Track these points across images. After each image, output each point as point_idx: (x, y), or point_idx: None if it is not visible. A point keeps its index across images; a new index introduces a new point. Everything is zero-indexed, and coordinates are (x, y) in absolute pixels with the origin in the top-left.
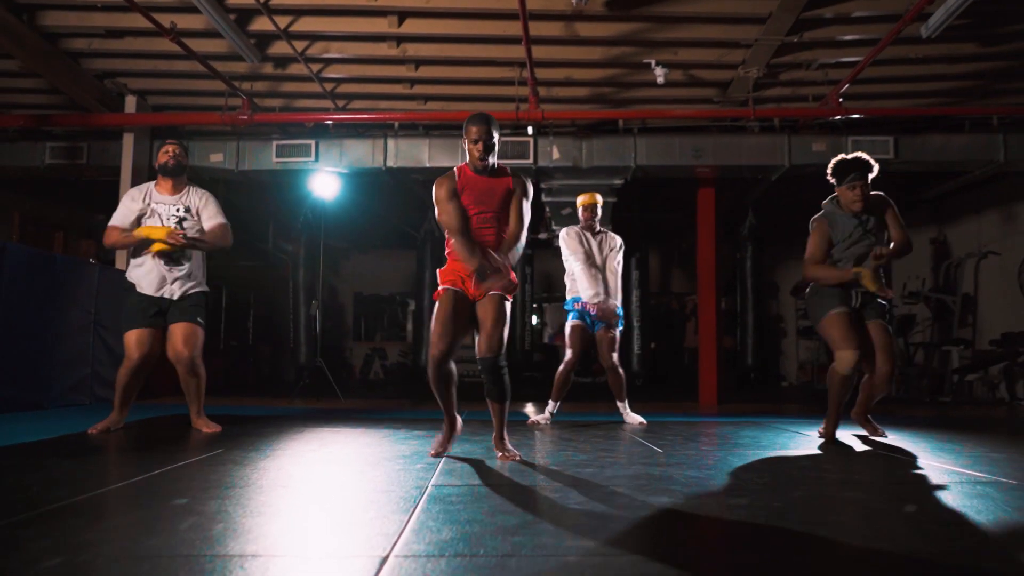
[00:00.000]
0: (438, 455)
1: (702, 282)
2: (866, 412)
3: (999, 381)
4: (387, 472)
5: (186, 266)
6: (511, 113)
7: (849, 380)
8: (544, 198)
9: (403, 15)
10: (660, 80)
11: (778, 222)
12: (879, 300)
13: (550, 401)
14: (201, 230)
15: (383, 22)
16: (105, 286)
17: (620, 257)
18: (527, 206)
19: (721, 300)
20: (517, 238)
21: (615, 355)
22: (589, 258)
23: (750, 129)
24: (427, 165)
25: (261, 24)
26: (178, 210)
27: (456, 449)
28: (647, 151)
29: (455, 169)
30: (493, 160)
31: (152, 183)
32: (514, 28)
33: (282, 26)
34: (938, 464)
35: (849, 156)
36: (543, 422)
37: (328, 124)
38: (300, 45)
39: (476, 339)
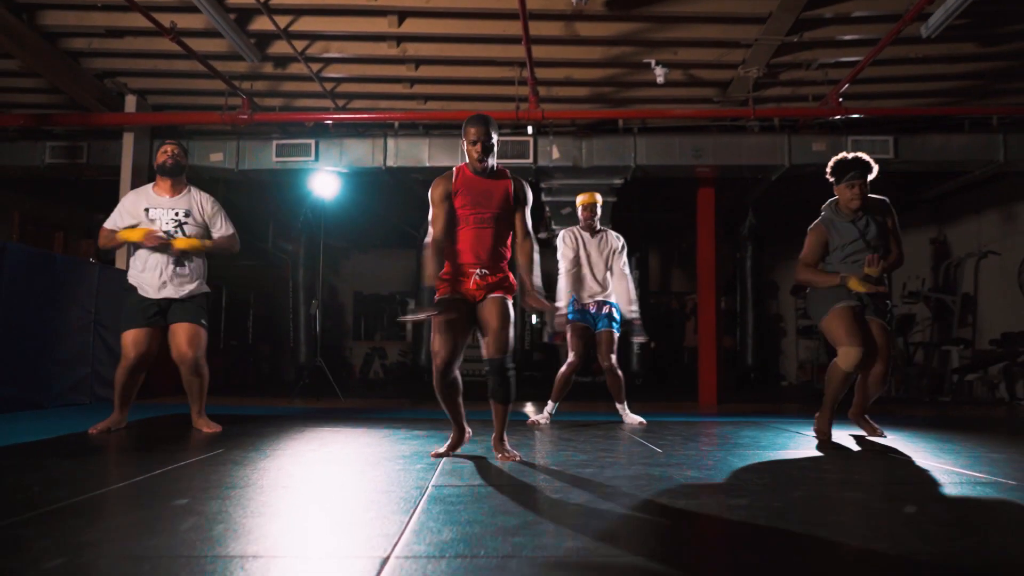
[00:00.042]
0: (439, 457)
1: (702, 282)
2: (863, 412)
3: (999, 381)
4: (387, 472)
5: (188, 266)
6: (511, 113)
7: (850, 377)
8: (544, 198)
9: (403, 15)
10: (660, 80)
11: (778, 222)
12: (882, 299)
13: (549, 401)
14: (202, 232)
15: (383, 22)
16: (105, 286)
17: (625, 258)
18: (528, 212)
19: (721, 300)
20: (533, 250)
21: (614, 356)
22: (576, 264)
23: (750, 129)
24: (427, 165)
25: (261, 24)
26: (177, 213)
27: None
28: (647, 151)
29: (454, 169)
30: (492, 161)
31: (150, 185)
32: (514, 28)
33: (282, 26)
34: (938, 464)
35: (849, 155)
36: (543, 422)
37: (328, 124)
38: (300, 45)
39: (482, 341)
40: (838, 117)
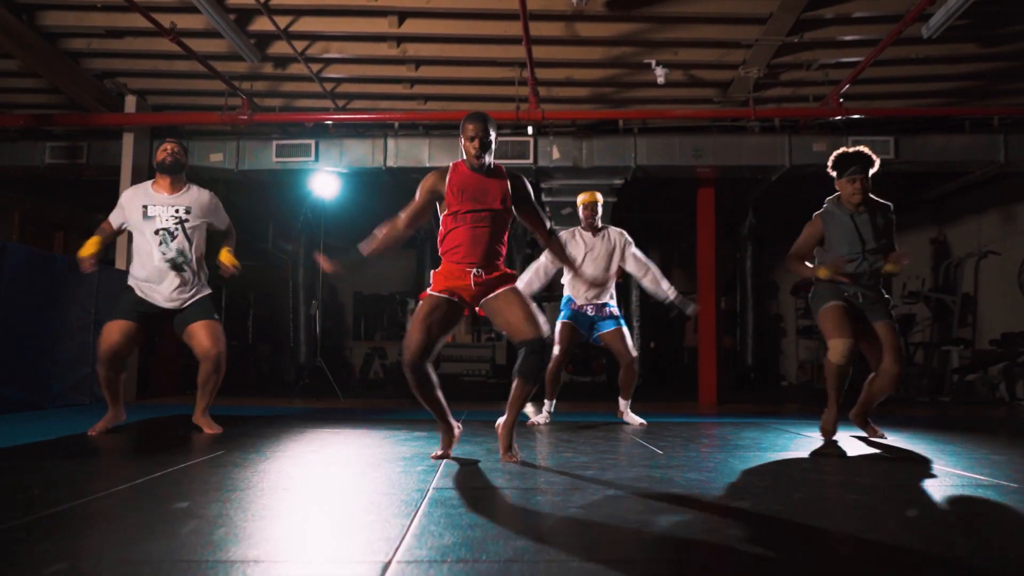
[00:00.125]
0: (439, 458)
1: (702, 282)
2: (865, 413)
3: (999, 381)
4: (388, 474)
5: (188, 274)
6: (511, 113)
7: (844, 370)
8: (544, 198)
9: (403, 15)
10: (660, 80)
11: (778, 222)
12: (884, 300)
13: (546, 400)
14: (203, 228)
15: (383, 22)
16: (105, 286)
17: (634, 250)
18: (538, 206)
19: (721, 300)
20: (562, 245)
21: (634, 352)
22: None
23: (750, 129)
24: (427, 165)
25: (261, 24)
26: (176, 210)
27: (457, 450)
28: (647, 151)
29: (451, 165)
30: (490, 159)
31: (150, 183)
32: (514, 28)
33: (282, 26)
34: (938, 466)
35: (851, 150)
36: (543, 422)
37: (328, 124)
38: (300, 45)
39: (509, 335)
40: (839, 117)
